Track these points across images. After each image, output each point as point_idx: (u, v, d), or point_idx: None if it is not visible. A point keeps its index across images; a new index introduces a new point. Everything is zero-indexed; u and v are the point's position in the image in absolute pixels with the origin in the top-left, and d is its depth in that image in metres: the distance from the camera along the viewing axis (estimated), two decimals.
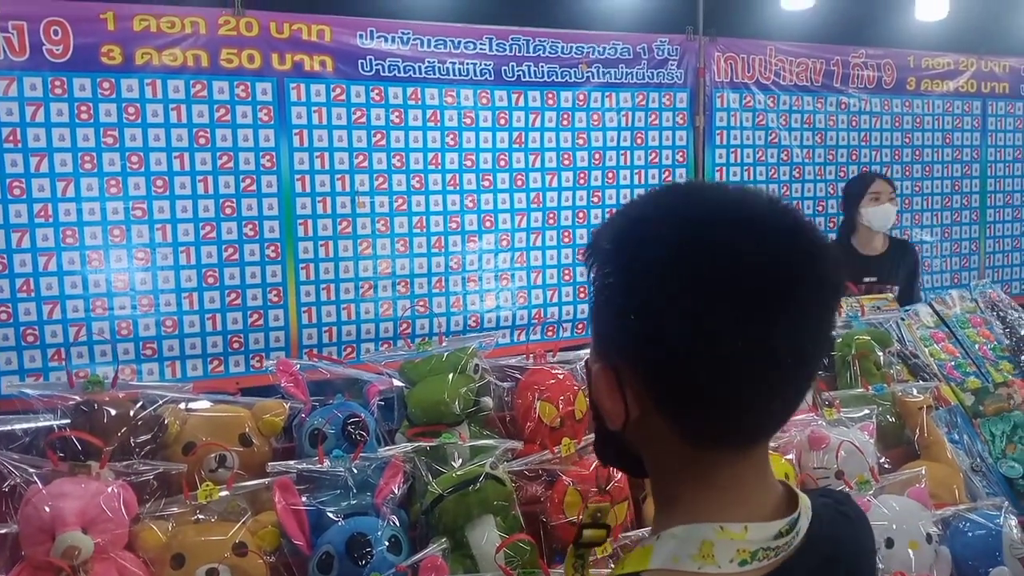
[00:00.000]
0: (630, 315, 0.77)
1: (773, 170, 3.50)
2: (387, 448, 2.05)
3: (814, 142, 3.63)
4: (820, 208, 3.56)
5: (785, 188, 3.55)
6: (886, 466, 2.31)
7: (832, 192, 3.57)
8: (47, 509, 1.65)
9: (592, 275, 0.83)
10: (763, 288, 0.74)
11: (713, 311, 0.74)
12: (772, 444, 2.19)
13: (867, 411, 2.35)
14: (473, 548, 1.90)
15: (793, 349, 0.76)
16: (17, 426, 1.88)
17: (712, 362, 0.75)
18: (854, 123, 3.76)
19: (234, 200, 2.42)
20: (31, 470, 1.76)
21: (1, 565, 1.74)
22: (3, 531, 1.74)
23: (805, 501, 0.85)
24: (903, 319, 2.80)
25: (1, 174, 2.17)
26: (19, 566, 1.67)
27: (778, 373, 0.77)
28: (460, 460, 2.07)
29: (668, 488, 0.84)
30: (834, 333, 0.82)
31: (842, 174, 3.67)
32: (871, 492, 2.17)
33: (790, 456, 2.21)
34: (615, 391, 0.80)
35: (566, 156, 2.84)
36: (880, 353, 2.58)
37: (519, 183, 2.77)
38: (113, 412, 1.88)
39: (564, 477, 2.07)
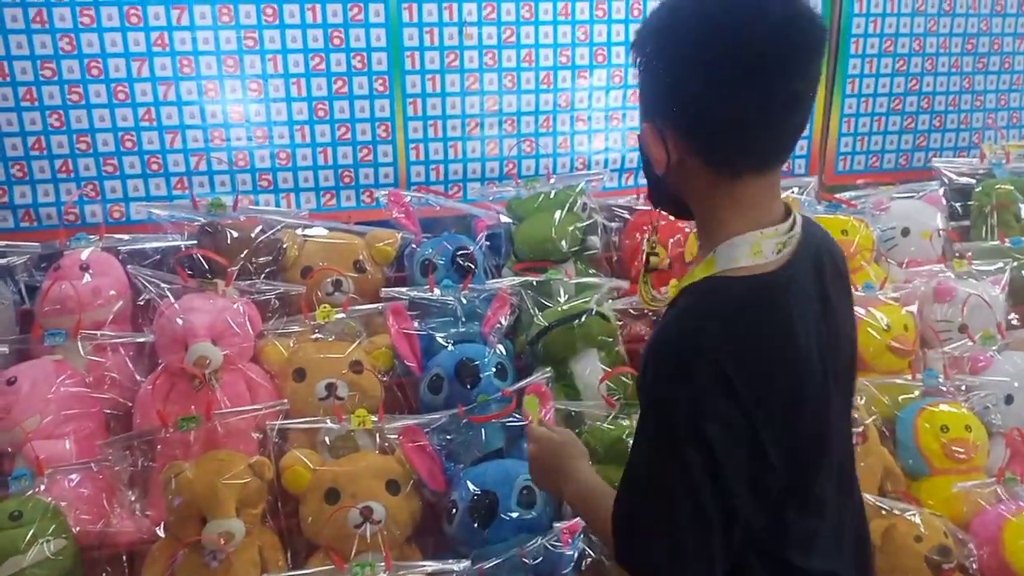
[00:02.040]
0: (668, 81, 1.00)
1: None
2: (495, 280, 2.08)
3: None
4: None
5: None
6: (1015, 323, 2.19)
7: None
8: (179, 321, 1.77)
9: (638, 57, 1.05)
10: (766, 52, 0.95)
11: (726, 74, 0.95)
12: (893, 294, 2.12)
13: (1001, 264, 2.21)
14: (576, 379, 1.94)
15: (792, 94, 0.99)
16: (148, 245, 2.00)
17: (728, 112, 0.97)
18: None
19: (342, 30, 2.38)
20: (163, 285, 1.88)
21: (142, 370, 1.90)
22: (141, 340, 1.89)
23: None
24: None
25: (119, 2, 2.19)
26: (158, 372, 1.82)
27: (781, 115, 0.99)
28: (566, 296, 2.08)
29: (711, 216, 1.06)
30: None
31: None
32: (995, 347, 2.08)
33: (911, 308, 2.12)
34: (659, 140, 1.03)
35: None
36: (1023, 205, 2.38)
37: (636, 12, 2.61)
38: (236, 234, 1.96)
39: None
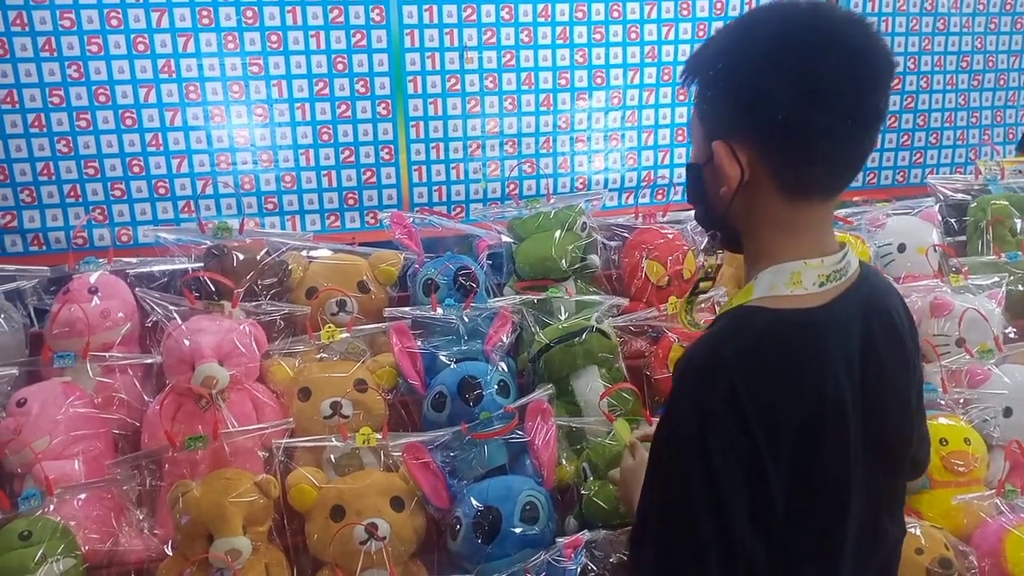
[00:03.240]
0: (747, 95, 0.99)
1: None
2: (496, 299, 2.10)
3: None
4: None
5: None
6: (1012, 336, 2.21)
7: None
8: (187, 342, 1.80)
9: (698, 79, 1.05)
10: (854, 66, 0.96)
11: (816, 85, 0.95)
12: None
13: (997, 279, 2.23)
14: (577, 395, 1.96)
15: (876, 110, 0.99)
16: (156, 268, 2.03)
17: (816, 124, 0.96)
18: None
19: (345, 56, 2.43)
20: (170, 307, 1.91)
21: (149, 391, 1.93)
22: (149, 361, 1.92)
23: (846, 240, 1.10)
24: None
25: (126, 30, 2.24)
26: (165, 392, 1.84)
27: (864, 129, 1.00)
28: (566, 313, 2.11)
29: (761, 243, 1.05)
30: None
31: None
32: (992, 361, 2.09)
33: None
34: (733, 159, 1.01)
35: (684, 6, 2.69)
36: (1018, 219, 2.41)
37: (633, 36, 2.65)
38: (241, 256, 1.99)
39: (670, 333, 2.08)
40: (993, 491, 1.85)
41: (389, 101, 2.49)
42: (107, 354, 1.87)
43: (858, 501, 1.02)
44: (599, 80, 2.66)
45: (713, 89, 1.04)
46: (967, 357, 2.08)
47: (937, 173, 2.97)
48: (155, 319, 1.91)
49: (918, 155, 3.04)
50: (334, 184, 2.50)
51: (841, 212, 2.45)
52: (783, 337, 0.99)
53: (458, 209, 2.62)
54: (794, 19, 1.00)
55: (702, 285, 1.26)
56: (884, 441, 1.06)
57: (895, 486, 1.15)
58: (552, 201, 2.37)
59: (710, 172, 1.05)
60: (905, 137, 3.01)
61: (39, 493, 1.65)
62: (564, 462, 1.87)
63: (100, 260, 2.03)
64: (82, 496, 1.70)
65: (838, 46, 0.97)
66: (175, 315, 1.88)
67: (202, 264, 2.01)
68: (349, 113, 2.47)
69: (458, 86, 2.53)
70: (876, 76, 0.99)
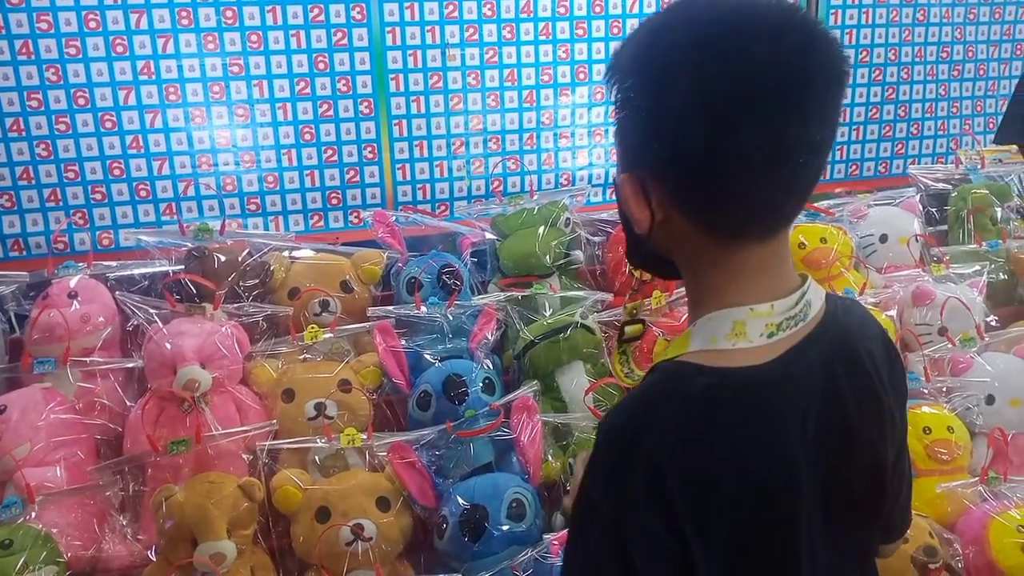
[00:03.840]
0: (651, 123, 0.82)
1: None
2: (481, 296, 2.10)
3: None
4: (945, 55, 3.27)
5: None
6: (994, 324, 2.22)
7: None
8: (168, 346, 1.79)
9: (614, 91, 0.86)
10: (779, 87, 0.78)
11: (728, 114, 0.77)
12: (872, 300, 2.15)
13: (978, 267, 2.25)
14: (563, 391, 1.96)
15: (806, 141, 0.80)
16: (136, 271, 2.01)
17: (730, 160, 0.79)
18: None
19: (327, 55, 2.41)
20: (151, 311, 1.90)
21: (131, 395, 1.91)
22: (130, 365, 1.90)
23: (812, 280, 0.92)
24: None
25: (104, 32, 2.22)
26: (147, 396, 1.83)
27: (792, 167, 0.81)
28: (551, 310, 2.10)
29: (699, 283, 0.90)
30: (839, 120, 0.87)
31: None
32: (975, 349, 2.11)
33: (891, 312, 2.15)
34: (640, 197, 0.86)
35: (666, 0, 2.68)
36: (998, 208, 2.43)
37: (615, 31, 2.65)
38: (223, 258, 1.98)
39: (654, 328, 2.08)
40: (976, 479, 1.86)
41: (371, 100, 2.48)
42: (88, 359, 1.86)
43: (816, 571, 0.86)
44: (582, 76, 2.65)
45: (622, 109, 0.86)
46: (949, 346, 2.10)
47: (918, 163, 2.98)
48: (136, 323, 1.90)
49: (899, 146, 3.05)
50: (317, 184, 2.49)
51: (823, 203, 2.46)
52: (720, 406, 0.82)
53: (443, 207, 2.61)
54: (714, 24, 0.80)
55: (628, 331, 1.09)
56: (852, 505, 0.90)
57: (866, 549, 0.99)
58: (536, 197, 2.37)
59: (623, 209, 0.89)
60: (887, 128, 3.02)
61: (20, 500, 1.64)
62: (550, 458, 1.87)
63: (80, 264, 2.02)
64: (64, 503, 1.69)
65: (773, 49, 0.77)
66: (156, 318, 1.87)
67: (183, 267, 2.00)
68: (331, 112, 2.46)
69: (441, 83, 2.53)
70: (814, 96, 0.80)
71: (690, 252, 0.89)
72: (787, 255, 0.90)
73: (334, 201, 2.51)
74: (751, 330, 0.84)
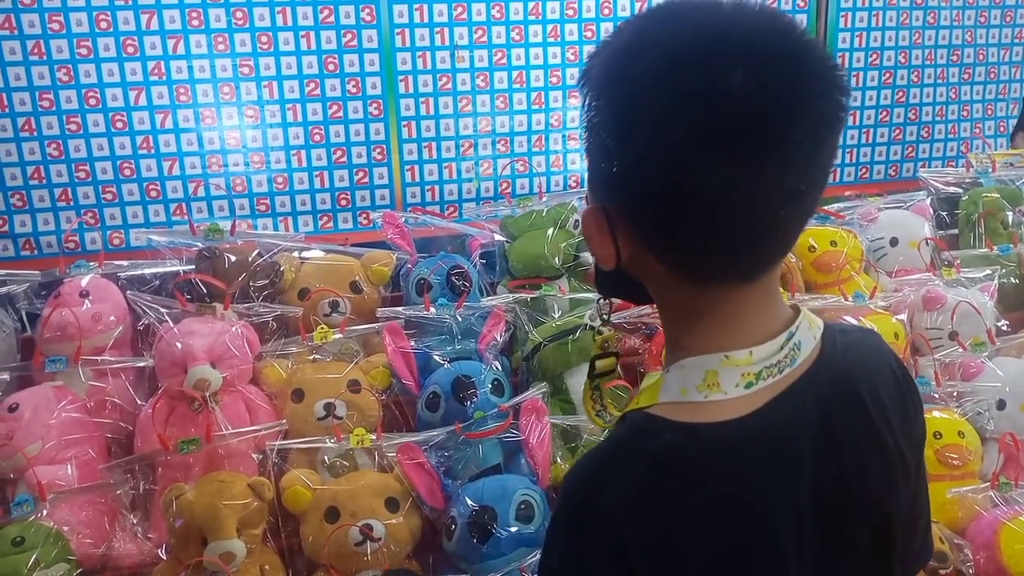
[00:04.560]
0: (616, 157, 0.74)
1: None
2: (489, 298, 2.10)
3: None
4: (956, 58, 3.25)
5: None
6: (1005, 329, 2.21)
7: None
8: (178, 345, 1.79)
9: (585, 107, 0.79)
10: (753, 129, 0.69)
11: (699, 155, 0.69)
12: (882, 304, 2.14)
13: (989, 272, 2.24)
14: (572, 393, 1.96)
15: (784, 190, 0.71)
16: (147, 271, 2.02)
17: (698, 206, 0.71)
18: None
19: (337, 56, 2.42)
20: (162, 310, 1.90)
21: (142, 394, 1.92)
22: (141, 364, 1.91)
23: (811, 317, 0.84)
24: None
25: (115, 32, 2.23)
26: (158, 395, 1.83)
27: (769, 213, 0.72)
28: (559, 311, 2.10)
29: (673, 322, 0.83)
30: (834, 163, 0.77)
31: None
32: (986, 354, 2.10)
33: (901, 316, 2.15)
34: (605, 232, 0.78)
35: None
36: (1009, 212, 2.42)
37: None
38: (233, 258, 1.99)
39: (663, 330, 2.08)
40: (987, 484, 1.85)
41: (381, 101, 2.49)
42: (99, 358, 1.87)
43: None
44: None
45: (589, 135, 0.78)
46: (960, 350, 2.09)
47: (929, 167, 2.98)
48: (147, 322, 1.91)
49: (910, 149, 3.04)
50: (326, 185, 2.50)
51: (833, 207, 2.45)
52: (689, 466, 0.75)
53: (451, 208, 2.62)
54: (690, 44, 0.71)
55: (600, 365, 1.00)
56: (855, 559, 0.83)
57: None
58: (545, 199, 2.37)
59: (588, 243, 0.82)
60: (897, 131, 3.01)
61: (32, 498, 1.64)
62: (559, 460, 1.87)
63: (91, 263, 2.03)
64: (75, 501, 1.69)
65: (743, 95, 0.68)
66: (167, 318, 1.88)
67: (194, 266, 2.00)
68: (341, 114, 2.46)
69: (450, 85, 2.53)
70: (797, 139, 0.70)
71: (663, 290, 0.83)
72: (774, 294, 0.82)
73: (343, 202, 2.52)
74: (725, 381, 0.76)
